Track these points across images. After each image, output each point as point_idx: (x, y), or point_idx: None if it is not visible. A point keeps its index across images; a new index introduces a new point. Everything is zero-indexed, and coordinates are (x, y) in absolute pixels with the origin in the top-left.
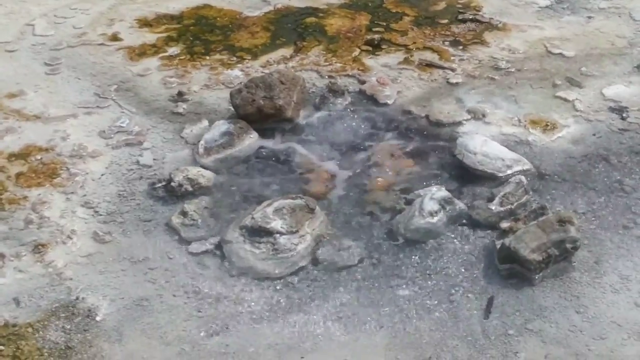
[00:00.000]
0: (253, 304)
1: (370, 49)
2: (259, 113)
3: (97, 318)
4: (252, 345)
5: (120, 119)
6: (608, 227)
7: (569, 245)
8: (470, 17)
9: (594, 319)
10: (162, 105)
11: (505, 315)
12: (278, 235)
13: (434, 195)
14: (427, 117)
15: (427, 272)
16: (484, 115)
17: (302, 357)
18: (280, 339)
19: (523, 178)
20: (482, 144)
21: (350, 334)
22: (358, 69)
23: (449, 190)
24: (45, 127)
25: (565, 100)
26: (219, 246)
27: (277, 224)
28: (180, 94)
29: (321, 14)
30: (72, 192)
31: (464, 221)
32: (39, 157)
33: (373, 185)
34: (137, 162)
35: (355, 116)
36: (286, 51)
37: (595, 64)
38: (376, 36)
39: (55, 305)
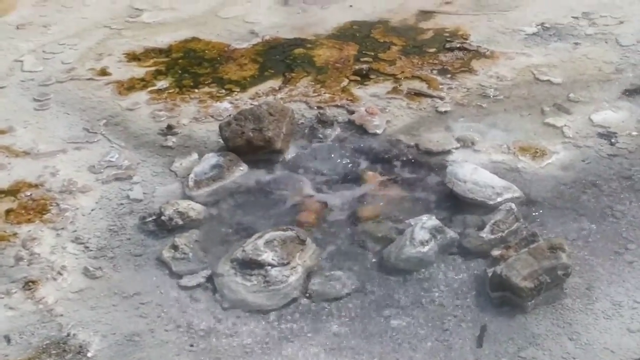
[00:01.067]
0: (245, 337)
1: (359, 79)
2: (249, 145)
3: (89, 354)
4: None
5: (109, 153)
6: (599, 253)
7: (560, 272)
8: (458, 46)
9: (586, 346)
10: (151, 139)
11: (498, 343)
12: (269, 267)
13: (424, 224)
14: (416, 146)
15: (420, 301)
16: (473, 143)
17: None
18: None
19: (513, 205)
20: (471, 172)
21: None
22: (347, 99)
23: (439, 219)
24: (35, 162)
25: (554, 126)
26: (210, 279)
27: (268, 256)
28: (169, 127)
29: (309, 45)
30: (62, 228)
31: (455, 250)
32: (28, 194)
33: (364, 215)
34: (127, 197)
35: (345, 146)
36: (275, 83)
37: (583, 90)
38: (364, 66)
39: (46, 342)
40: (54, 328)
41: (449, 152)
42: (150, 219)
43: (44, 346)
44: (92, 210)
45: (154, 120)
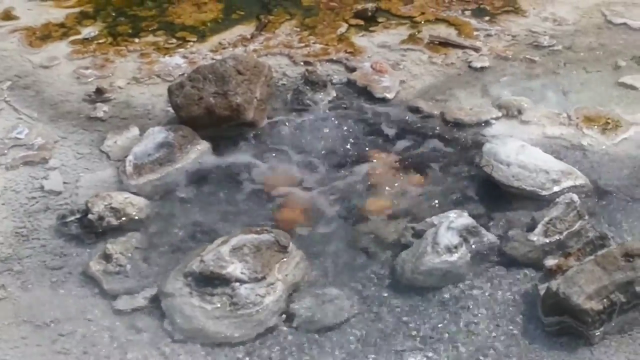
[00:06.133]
0: None
1: (362, 23)
2: (209, 115)
3: None
4: None
5: (16, 128)
6: None
7: (639, 289)
8: None
9: None
10: (74, 107)
11: None
12: (238, 284)
13: (452, 223)
14: (441, 115)
15: (446, 330)
16: (520, 112)
17: None
18: None
19: (575, 197)
20: (518, 152)
21: None
22: (345, 52)
23: (473, 216)
24: None
25: (632, 87)
26: (155, 301)
27: (235, 268)
28: (99, 91)
29: None
30: None
31: (495, 258)
32: None
33: (369, 211)
34: (41, 188)
35: (343, 116)
36: (245, 29)
37: None
38: (370, 5)
39: None
40: None
41: (486, 123)
42: (72, 218)
43: None
44: None
45: (78, 82)
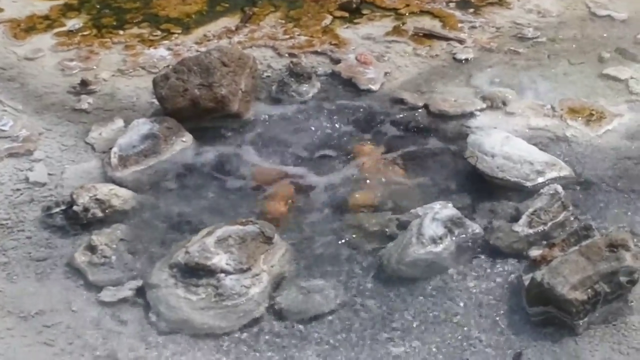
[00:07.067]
0: None
1: (347, 15)
2: (194, 107)
3: None
4: None
5: (1, 120)
6: None
7: (623, 279)
8: None
9: None
10: (59, 99)
11: None
12: (223, 275)
13: (437, 214)
14: (426, 107)
15: (430, 321)
16: (504, 103)
17: None
18: None
19: (559, 188)
20: (502, 143)
21: None
22: (330, 44)
23: (457, 208)
24: None
25: (616, 79)
26: (141, 292)
27: (221, 259)
28: (84, 83)
29: None
30: None
31: (480, 249)
32: None
33: (354, 203)
34: (26, 179)
35: (328, 108)
36: (230, 21)
37: None
38: None
39: None
40: None
41: (471, 115)
42: (57, 209)
43: None
44: None
45: (63, 74)
